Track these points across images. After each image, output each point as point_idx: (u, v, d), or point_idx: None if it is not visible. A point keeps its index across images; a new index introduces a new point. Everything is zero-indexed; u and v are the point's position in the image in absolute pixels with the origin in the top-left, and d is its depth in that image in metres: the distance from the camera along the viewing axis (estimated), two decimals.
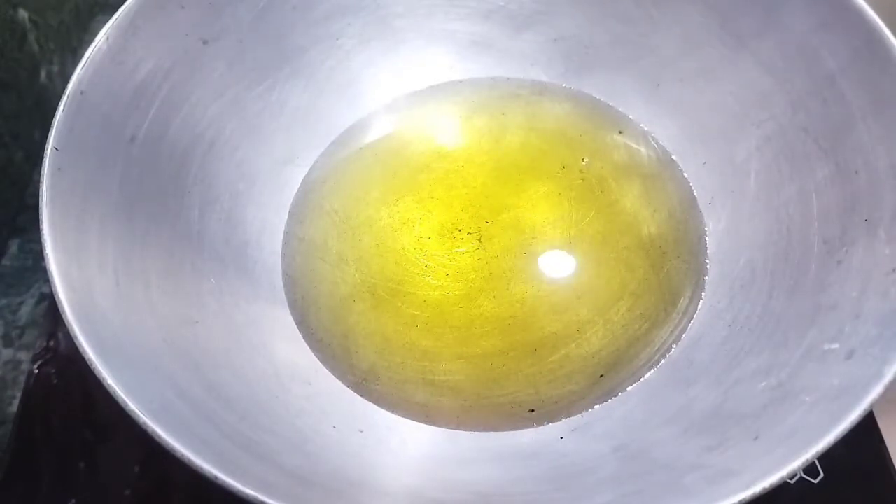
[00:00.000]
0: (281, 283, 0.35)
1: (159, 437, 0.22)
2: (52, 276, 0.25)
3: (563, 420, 0.31)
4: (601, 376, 0.32)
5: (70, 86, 0.28)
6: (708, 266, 0.34)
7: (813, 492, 0.28)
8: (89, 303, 0.25)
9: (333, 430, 0.30)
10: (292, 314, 0.34)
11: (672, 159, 0.37)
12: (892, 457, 0.33)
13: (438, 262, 0.35)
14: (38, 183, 0.26)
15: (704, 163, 0.36)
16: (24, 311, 0.39)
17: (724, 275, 0.34)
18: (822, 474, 0.27)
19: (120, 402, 0.23)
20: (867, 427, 0.33)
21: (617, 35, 0.38)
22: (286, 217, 0.37)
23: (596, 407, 0.31)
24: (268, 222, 0.36)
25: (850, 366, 0.25)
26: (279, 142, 0.37)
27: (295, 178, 0.38)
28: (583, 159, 0.36)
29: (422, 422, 0.31)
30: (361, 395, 0.32)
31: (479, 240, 0.35)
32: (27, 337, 0.38)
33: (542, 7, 0.38)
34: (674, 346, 0.32)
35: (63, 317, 0.24)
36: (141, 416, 0.22)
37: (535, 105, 0.39)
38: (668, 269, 0.34)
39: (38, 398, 0.35)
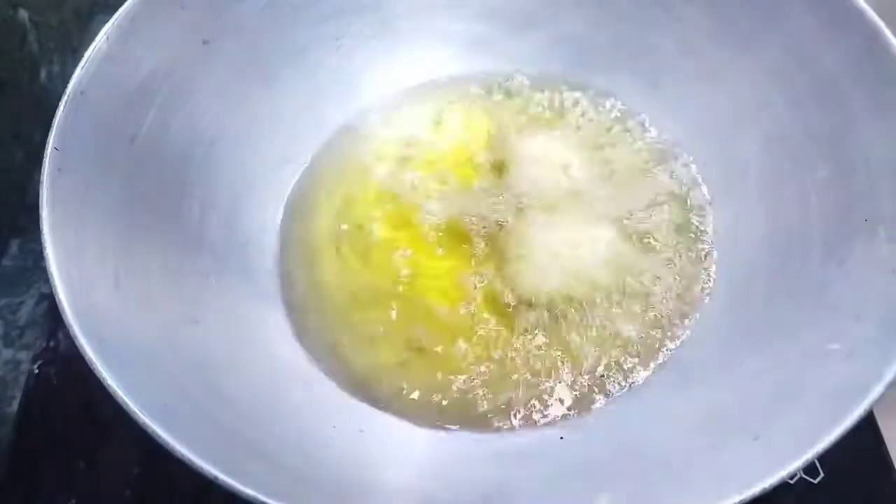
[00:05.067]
0: (280, 284, 0.35)
1: (159, 437, 0.22)
2: (52, 276, 0.25)
3: (564, 420, 0.31)
4: (602, 376, 0.32)
5: (70, 86, 0.28)
6: (708, 266, 0.34)
7: (813, 492, 0.28)
8: (89, 303, 0.25)
9: (333, 430, 0.30)
10: (292, 314, 0.34)
11: (673, 159, 0.37)
12: (892, 457, 0.33)
13: (440, 262, 0.35)
14: (38, 183, 0.26)
15: (704, 163, 0.37)
16: (24, 311, 0.39)
17: (724, 275, 0.34)
18: (822, 474, 0.27)
19: (120, 402, 0.23)
20: (867, 427, 0.33)
21: (617, 35, 0.38)
22: (285, 217, 0.37)
23: (596, 407, 0.31)
24: (267, 222, 0.36)
25: (850, 366, 0.25)
26: (279, 142, 0.37)
27: (294, 177, 0.37)
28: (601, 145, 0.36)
29: (422, 422, 0.31)
30: (361, 396, 0.32)
31: (482, 239, 0.35)
32: (27, 337, 0.38)
33: (543, 7, 0.38)
34: (674, 346, 0.32)
35: (63, 317, 0.24)
36: (141, 416, 0.22)
37: (536, 105, 0.39)
38: (668, 269, 0.34)
39: (38, 398, 0.35)
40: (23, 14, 0.40)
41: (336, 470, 0.27)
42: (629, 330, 0.33)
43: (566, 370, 0.32)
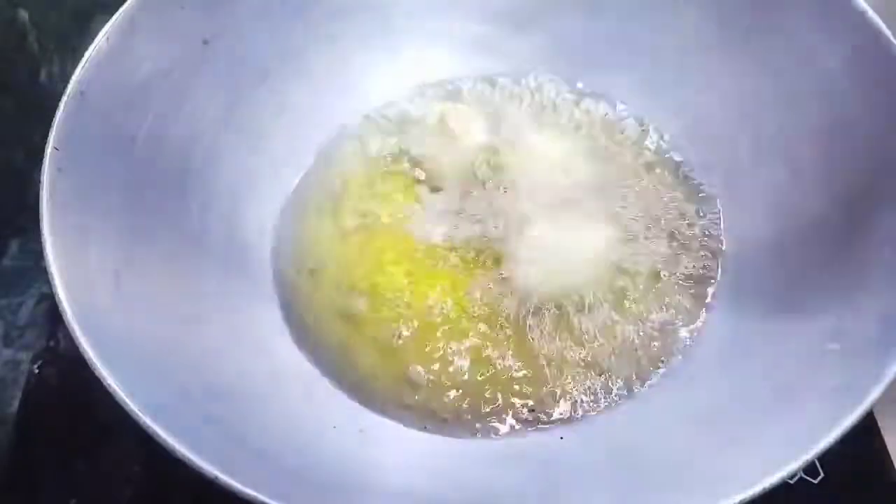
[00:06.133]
0: (280, 284, 0.35)
1: (159, 437, 0.22)
2: (52, 276, 0.25)
3: (564, 420, 0.31)
4: (602, 377, 0.32)
5: (70, 86, 0.28)
6: (709, 266, 0.34)
7: (813, 492, 0.28)
8: (89, 303, 0.25)
9: (333, 430, 0.30)
10: (292, 314, 0.34)
11: (673, 159, 0.37)
12: (892, 457, 0.33)
13: (439, 263, 0.35)
14: (38, 183, 0.26)
15: (704, 163, 0.36)
16: (24, 311, 0.39)
17: (725, 275, 0.34)
18: (822, 474, 0.27)
19: (120, 402, 0.23)
20: (867, 427, 0.33)
21: (617, 35, 0.38)
22: (286, 217, 0.36)
23: (596, 407, 0.31)
24: (267, 222, 0.36)
25: (850, 366, 0.25)
26: (279, 142, 0.37)
27: (294, 177, 0.37)
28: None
29: (422, 422, 0.31)
30: (360, 396, 0.32)
31: (482, 240, 0.35)
32: (27, 337, 0.38)
33: (543, 7, 0.38)
34: (675, 347, 0.32)
35: (63, 317, 0.24)
36: (141, 416, 0.22)
37: (536, 104, 0.39)
38: (668, 269, 0.34)
39: (38, 398, 0.35)
40: (23, 14, 0.40)
41: (336, 470, 0.27)
42: (630, 331, 0.33)
43: (566, 371, 0.32)
